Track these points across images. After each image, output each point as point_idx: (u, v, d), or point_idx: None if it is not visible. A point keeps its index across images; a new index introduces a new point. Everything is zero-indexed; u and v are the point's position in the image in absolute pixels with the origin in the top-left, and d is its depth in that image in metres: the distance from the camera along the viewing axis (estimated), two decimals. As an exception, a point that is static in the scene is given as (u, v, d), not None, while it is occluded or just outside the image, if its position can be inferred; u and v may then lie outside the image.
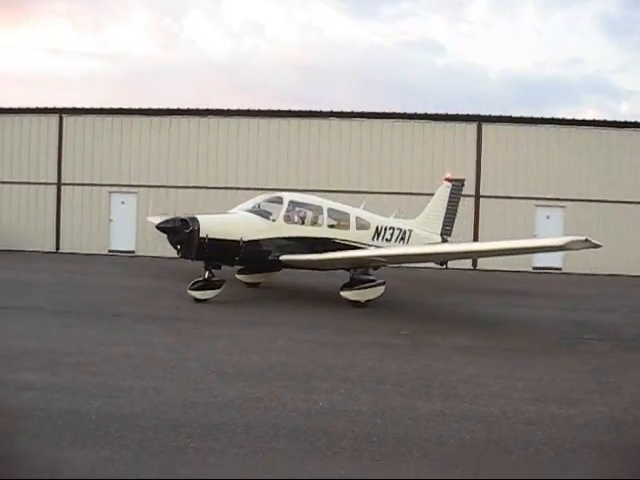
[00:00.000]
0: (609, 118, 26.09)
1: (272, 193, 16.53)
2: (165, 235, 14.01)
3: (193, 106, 27.11)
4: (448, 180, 20.66)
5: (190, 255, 13.90)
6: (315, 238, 15.35)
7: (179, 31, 68.45)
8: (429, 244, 18.44)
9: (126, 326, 11.15)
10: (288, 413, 6.45)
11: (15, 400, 6.59)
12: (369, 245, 16.46)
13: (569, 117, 26.09)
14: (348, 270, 14.93)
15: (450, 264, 21.89)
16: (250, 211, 14.96)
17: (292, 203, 15.39)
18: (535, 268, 25.60)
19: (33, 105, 28.09)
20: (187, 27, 69.37)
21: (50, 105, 27.95)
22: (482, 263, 25.20)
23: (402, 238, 18.04)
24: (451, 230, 20.64)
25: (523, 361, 9.44)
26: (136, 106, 27.48)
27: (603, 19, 70.55)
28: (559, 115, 28.56)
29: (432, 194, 25.22)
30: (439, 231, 20.13)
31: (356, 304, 14.07)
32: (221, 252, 14.00)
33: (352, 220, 16.35)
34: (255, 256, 14.57)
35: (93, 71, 61.14)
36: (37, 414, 6.14)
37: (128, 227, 27.15)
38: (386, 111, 26.11)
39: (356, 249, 15.78)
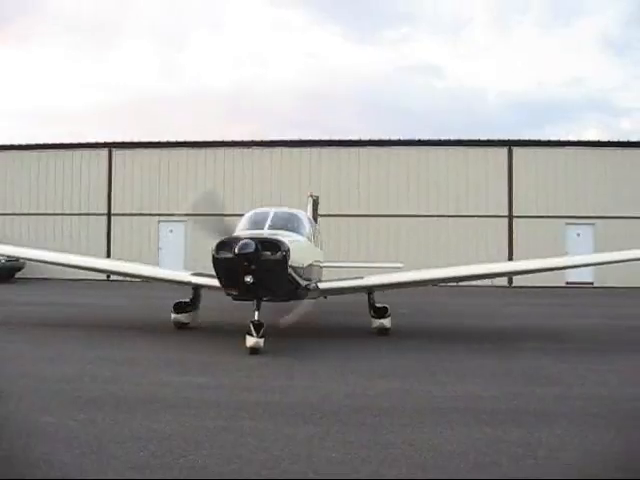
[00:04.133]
0: (610, 135, 28.09)
1: (259, 209, 13.35)
2: (226, 262, 10.47)
3: (227, 138, 28.97)
4: (311, 196, 19.16)
5: (272, 291, 10.89)
6: (317, 260, 13.74)
7: (181, 61, 70.16)
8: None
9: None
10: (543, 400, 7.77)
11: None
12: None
13: (571, 136, 27.81)
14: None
15: (481, 282, 23.06)
16: (280, 229, 11.92)
17: (308, 219, 13.54)
18: (568, 283, 26.89)
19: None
20: (188, 57, 71.10)
21: (100, 140, 29.61)
22: (517, 280, 26.47)
23: None
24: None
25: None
26: (180, 139, 29.15)
27: (603, 37, 72.48)
28: (561, 134, 30.14)
29: (468, 216, 26.86)
30: None
31: (385, 332, 12.99)
32: (291, 284, 11.46)
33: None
34: (305, 286, 12.18)
35: (98, 103, 62.92)
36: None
37: (177, 254, 28.51)
38: (421, 138, 27.67)
39: None
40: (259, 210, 13.17)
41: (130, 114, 61.91)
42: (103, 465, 5.37)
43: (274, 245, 10.72)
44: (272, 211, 12.60)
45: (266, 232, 11.56)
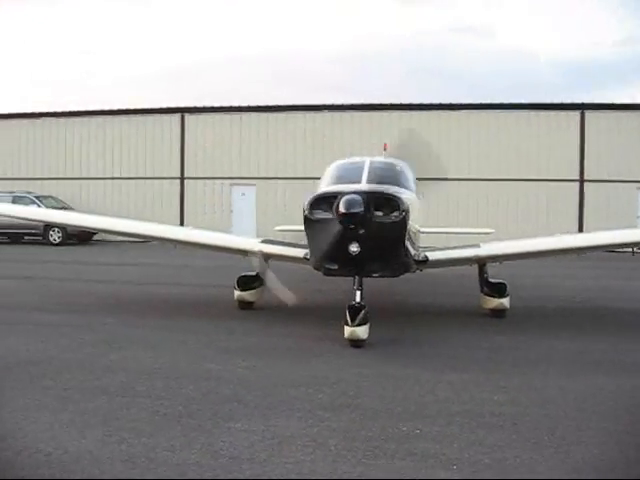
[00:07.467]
0: None
1: (348, 159, 10.83)
2: (333, 228, 7.99)
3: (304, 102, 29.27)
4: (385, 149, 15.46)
5: (385, 265, 8.78)
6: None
7: (225, 24, 69.85)
8: None
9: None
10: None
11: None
12: None
13: (623, 98, 27.49)
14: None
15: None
16: (382, 184, 8.82)
17: (412, 171, 10.74)
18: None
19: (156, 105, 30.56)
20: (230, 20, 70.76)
21: (172, 105, 30.32)
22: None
23: None
24: None
25: None
26: (252, 104, 29.77)
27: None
28: (614, 96, 29.77)
29: (537, 180, 26.93)
30: None
31: (502, 314, 10.69)
32: (405, 255, 9.16)
33: None
34: (413, 256, 9.73)
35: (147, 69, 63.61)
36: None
37: (248, 217, 29.18)
38: (492, 102, 27.72)
39: None
40: (349, 160, 10.30)
41: (173, 80, 62.42)
42: (292, 405, 5.95)
43: (390, 202, 8.33)
44: (367, 160, 9.59)
45: (368, 186, 8.53)
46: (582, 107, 27.40)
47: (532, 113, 27.70)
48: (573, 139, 27.34)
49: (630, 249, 21.18)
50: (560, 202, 27.19)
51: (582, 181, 27.31)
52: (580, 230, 26.12)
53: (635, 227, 22.75)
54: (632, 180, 26.98)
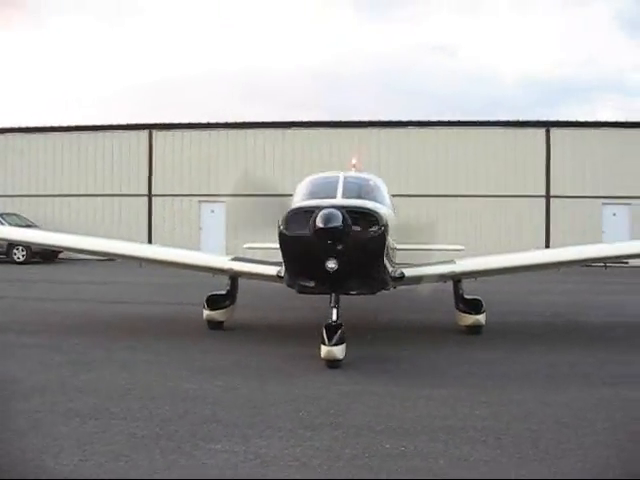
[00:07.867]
0: (624, 116, 28.08)
1: (322, 174, 10.33)
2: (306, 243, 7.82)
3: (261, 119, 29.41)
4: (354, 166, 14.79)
5: (363, 282, 8.56)
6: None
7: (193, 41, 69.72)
8: None
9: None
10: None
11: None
12: None
13: (585, 116, 28.12)
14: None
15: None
16: (357, 198, 8.82)
17: (386, 187, 10.51)
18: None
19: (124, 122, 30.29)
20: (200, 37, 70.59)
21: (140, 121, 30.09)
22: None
23: None
24: None
25: None
26: (221, 121, 29.63)
27: (619, 17, 71.33)
28: (576, 114, 30.61)
29: (505, 196, 27.23)
30: None
31: (479, 330, 10.62)
32: (384, 272, 9.02)
33: None
34: (391, 273, 9.54)
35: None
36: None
37: (218, 235, 28.93)
38: (459, 119, 28.11)
39: None
40: (322, 175, 10.06)
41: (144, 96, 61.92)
42: (273, 424, 5.82)
43: (368, 217, 8.08)
44: (341, 175, 9.24)
45: (346, 201, 8.32)
46: (547, 124, 27.87)
47: (499, 130, 28.08)
48: (539, 156, 27.77)
49: (602, 263, 21.57)
50: (527, 218, 27.53)
51: (548, 197, 27.70)
52: (547, 245, 26.42)
53: (600, 241, 23.03)
54: (597, 196, 27.45)
